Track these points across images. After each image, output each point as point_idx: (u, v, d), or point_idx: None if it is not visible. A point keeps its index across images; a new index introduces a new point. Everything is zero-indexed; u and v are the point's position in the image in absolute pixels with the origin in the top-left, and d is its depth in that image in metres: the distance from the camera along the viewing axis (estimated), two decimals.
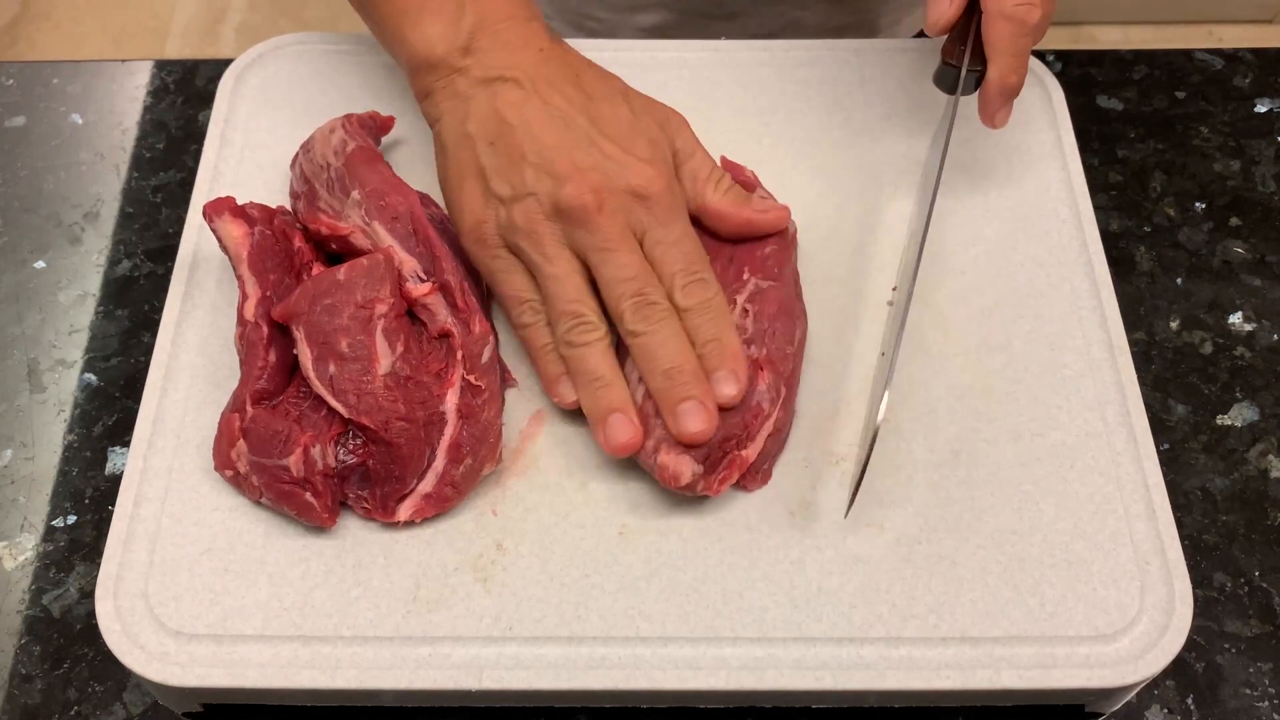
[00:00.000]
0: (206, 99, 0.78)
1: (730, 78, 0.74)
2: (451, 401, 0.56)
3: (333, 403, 0.55)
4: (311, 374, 0.56)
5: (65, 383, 0.67)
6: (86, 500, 0.63)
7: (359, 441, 0.56)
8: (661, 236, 0.58)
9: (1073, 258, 0.66)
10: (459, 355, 0.57)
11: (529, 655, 0.54)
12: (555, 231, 0.57)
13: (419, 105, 0.64)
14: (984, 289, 0.65)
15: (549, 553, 0.57)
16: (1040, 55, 0.78)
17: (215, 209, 0.59)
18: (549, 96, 0.59)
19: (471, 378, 0.57)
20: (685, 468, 0.56)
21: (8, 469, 0.64)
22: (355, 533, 0.57)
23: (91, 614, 0.55)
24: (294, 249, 0.60)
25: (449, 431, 0.56)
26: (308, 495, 0.55)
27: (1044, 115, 0.72)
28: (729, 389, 0.56)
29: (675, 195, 0.59)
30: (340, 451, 0.56)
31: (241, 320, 0.59)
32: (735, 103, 0.73)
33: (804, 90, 0.73)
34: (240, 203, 0.60)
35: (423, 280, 0.58)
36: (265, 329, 0.58)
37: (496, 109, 0.59)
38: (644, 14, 0.88)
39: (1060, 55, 0.82)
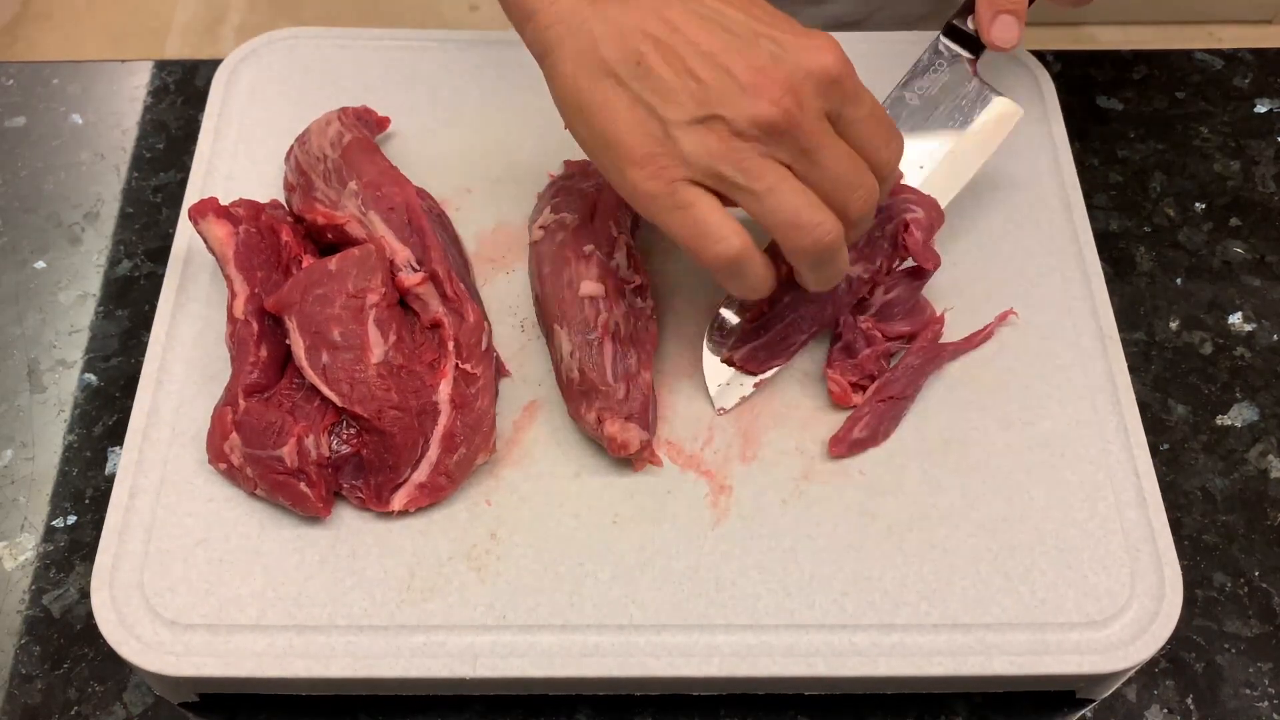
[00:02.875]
0: (206, 99, 0.78)
1: None
2: (445, 391, 0.57)
3: (326, 392, 0.56)
4: (305, 363, 0.56)
5: (65, 383, 0.67)
6: (86, 500, 0.63)
7: (353, 431, 0.56)
8: (854, 114, 0.53)
9: (1063, 248, 0.66)
10: (450, 346, 0.57)
11: (523, 643, 0.54)
12: (754, 147, 0.52)
13: (522, 35, 0.58)
14: (975, 279, 0.65)
15: (543, 542, 0.57)
16: (1040, 55, 0.78)
17: (199, 211, 0.60)
18: None
19: (467, 366, 0.57)
20: (633, 435, 0.57)
21: (8, 469, 0.64)
22: (350, 523, 0.57)
23: (92, 614, 0.55)
24: (281, 243, 0.61)
25: (443, 421, 0.57)
26: (302, 485, 0.56)
27: (1034, 107, 0.72)
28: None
29: (849, 63, 0.53)
30: (334, 441, 0.56)
31: (231, 319, 0.59)
32: None
33: None
34: (234, 196, 0.61)
35: (415, 270, 0.58)
36: (255, 325, 0.58)
37: (632, 24, 0.52)
38: None
39: (1060, 55, 0.82)
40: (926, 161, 0.64)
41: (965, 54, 0.65)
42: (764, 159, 0.52)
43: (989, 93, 0.65)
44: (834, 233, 0.53)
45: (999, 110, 0.64)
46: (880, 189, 0.55)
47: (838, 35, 0.67)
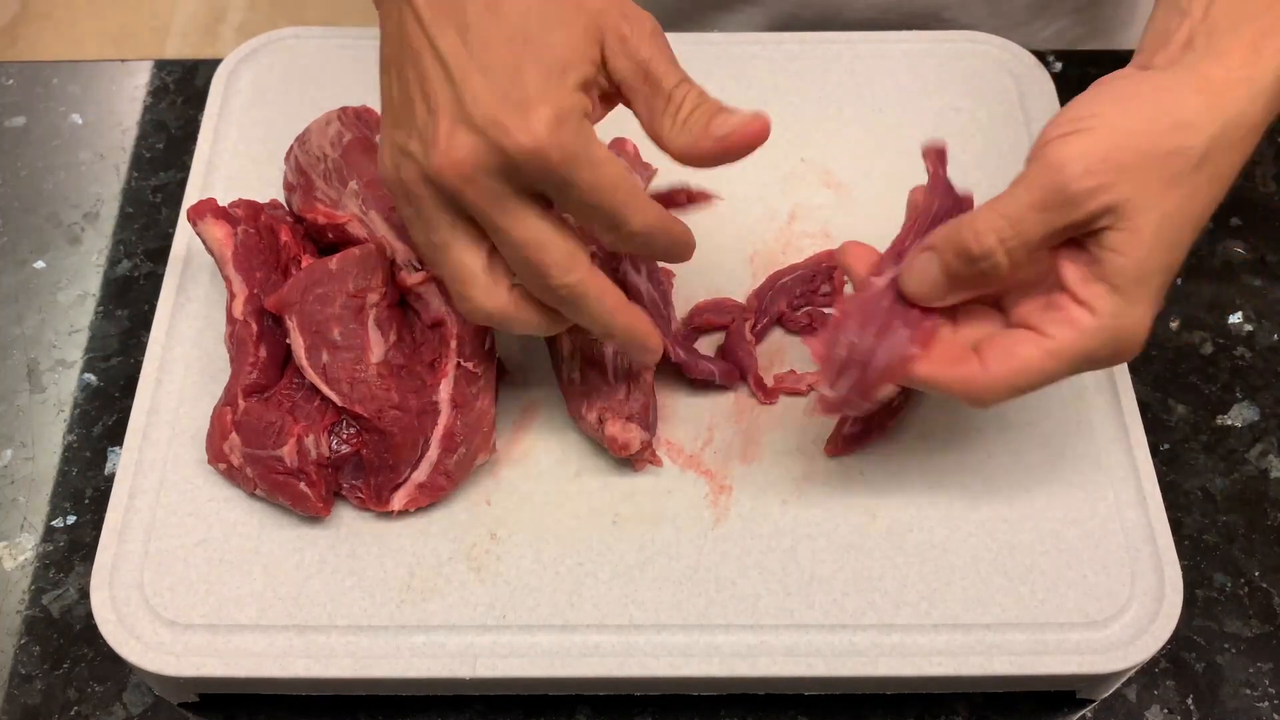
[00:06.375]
0: (206, 99, 0.78)
1: (724, 71, 0.74)
2: (445, 391, 0.57)
3: (326, 391, 0.56)
4: (305, 363, 0.56)
5: (65, 383, 0.67)
6: (86, 500, 0.63)
7: (353, 431, 0.56)
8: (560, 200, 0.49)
9: None
10: (452, 345, 0.57)
11: (523, 643, 0.54)
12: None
13: None
14: None
15: (543, 542, 0.57)
16: (1040, 55, 0.77)
17: (198, 212, 0.60)
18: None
19: (469, 365, 0.57)
20: (634, 435, 0.57)
21: (8, 469, 0.64)
22: (349, 523, 0.57)
23: (91, 614, 0.55)
24: (281, 244, 0.61)
25: (443, 420, 0.57)
26: (302, 485, 0.56)
27: (1035, 107, 0.72)
28: None
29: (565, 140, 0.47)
30: (334, 441, 0.56)
31: (230, 319, 0.59)
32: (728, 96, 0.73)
33: (796, 82, 0.74)
34: (234, 196, 0.61)
35: (417, 269, 0.58)
36: (254, 326, 0.58)
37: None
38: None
39: (1060, 55, 0.82)
40: None
41: None
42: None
43: None
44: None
45: None
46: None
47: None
